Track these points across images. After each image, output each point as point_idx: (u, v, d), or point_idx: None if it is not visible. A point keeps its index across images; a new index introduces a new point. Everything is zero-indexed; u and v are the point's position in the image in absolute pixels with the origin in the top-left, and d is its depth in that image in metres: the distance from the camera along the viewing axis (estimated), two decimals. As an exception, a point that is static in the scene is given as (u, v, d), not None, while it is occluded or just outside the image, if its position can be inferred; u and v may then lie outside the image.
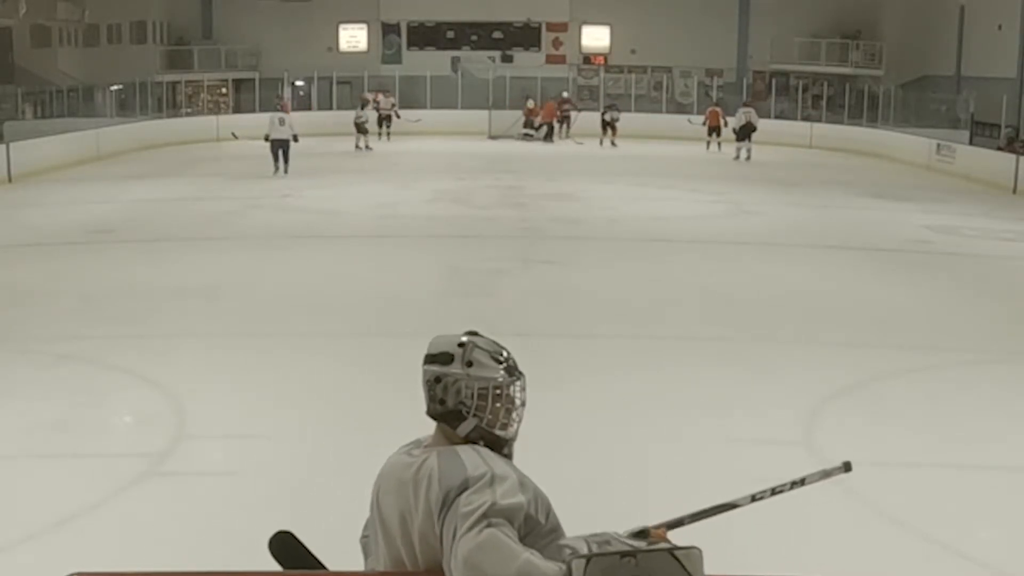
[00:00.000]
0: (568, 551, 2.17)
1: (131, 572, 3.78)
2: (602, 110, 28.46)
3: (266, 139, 19.63)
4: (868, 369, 7.73)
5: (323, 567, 2.57)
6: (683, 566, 1.98)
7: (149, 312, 9.26)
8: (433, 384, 2.41)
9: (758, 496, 2.69)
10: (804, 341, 8.68)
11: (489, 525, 2.12)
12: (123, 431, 6.78)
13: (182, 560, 4.26)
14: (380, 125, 27.91)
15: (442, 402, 2.40)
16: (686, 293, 10.43)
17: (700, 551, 2.03)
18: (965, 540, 4.98)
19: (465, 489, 2.21)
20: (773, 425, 6.49)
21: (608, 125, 27.55)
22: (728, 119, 25.85)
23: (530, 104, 29.47)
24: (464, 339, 2.43)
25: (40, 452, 6.01)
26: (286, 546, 2.56)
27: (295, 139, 19.75)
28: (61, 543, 4.79)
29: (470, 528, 2.13)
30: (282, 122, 19.64)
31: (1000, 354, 8.39)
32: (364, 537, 2.64)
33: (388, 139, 27.79)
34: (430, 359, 2.43)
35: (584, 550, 2.19)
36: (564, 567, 2.03)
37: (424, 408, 2.47)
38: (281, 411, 6.73)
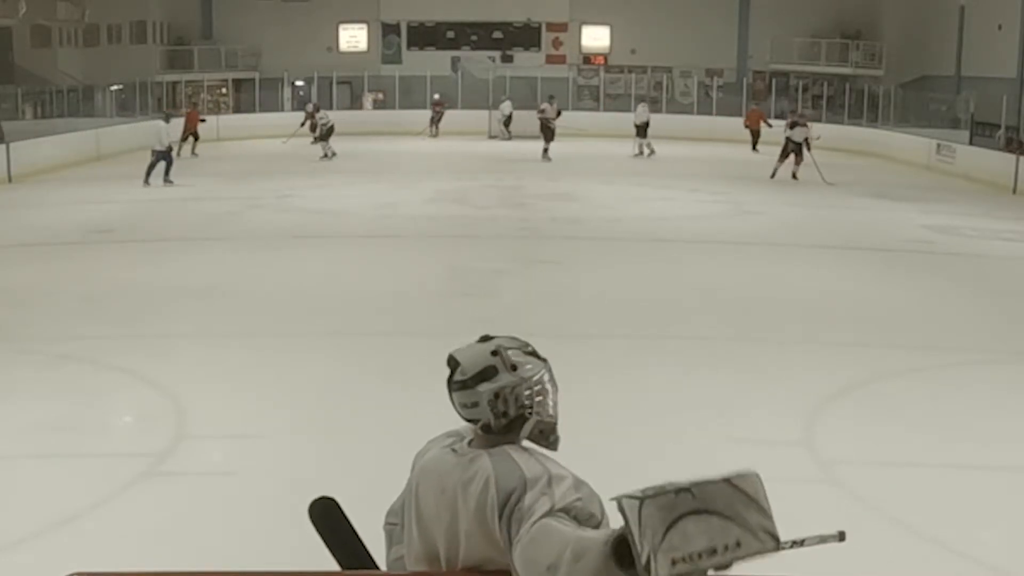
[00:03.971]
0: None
1: (131, 572, 3.78)
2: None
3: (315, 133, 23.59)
4: (868, 369, 7.73)
5: (361, 542, 2.53)
6: (743, 491, 1.89)
7: (149, 312, 9.26)
8: (494, 402, 2.34)
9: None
10: (804, 341, 8.68)
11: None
12: (123, 431, 6.78)
13: (182, 560, 4.26)
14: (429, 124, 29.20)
15: (505, 414, 2.35)
16: (686, 293, 10.43)
17: (757, 474, 1.93)
18: (965, 540, 4.97)
19: (525, 492, 2.20)
20: (773, 425, 6.49)
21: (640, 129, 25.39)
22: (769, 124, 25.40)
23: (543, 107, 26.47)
24: (492, 346, 2.39)
25: (40, 452, 6.00)
26: (328, 514, 2.53)
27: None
28: (61, 543, 4.78)
29: (530, 528, 2.13)
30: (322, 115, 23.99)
31: (1000, 354, 8.39)
32: (389, 525, 2.61)
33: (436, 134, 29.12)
34: (475, 379, 2.34)
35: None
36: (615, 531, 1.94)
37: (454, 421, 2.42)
38: (281, 411, 6.72)
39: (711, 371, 7.67)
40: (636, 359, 8.01)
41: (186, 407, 6.71)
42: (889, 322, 9.32)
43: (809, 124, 21.51)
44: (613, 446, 5.88)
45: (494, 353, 2.37)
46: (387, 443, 5.95)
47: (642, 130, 25.09)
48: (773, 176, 20.65)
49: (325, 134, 23.42)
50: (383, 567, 2.57)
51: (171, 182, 18.28)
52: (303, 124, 25.92)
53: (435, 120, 29.72)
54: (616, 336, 8.72)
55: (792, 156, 20.77)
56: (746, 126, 26.68)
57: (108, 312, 9.34)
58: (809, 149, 20.66)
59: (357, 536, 2.54)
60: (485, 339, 2.42)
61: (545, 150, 23.55)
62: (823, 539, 2.41)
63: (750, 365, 7.87)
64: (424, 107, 30.61)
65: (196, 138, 24.05)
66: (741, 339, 8.66)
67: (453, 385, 2.37)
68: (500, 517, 2.20)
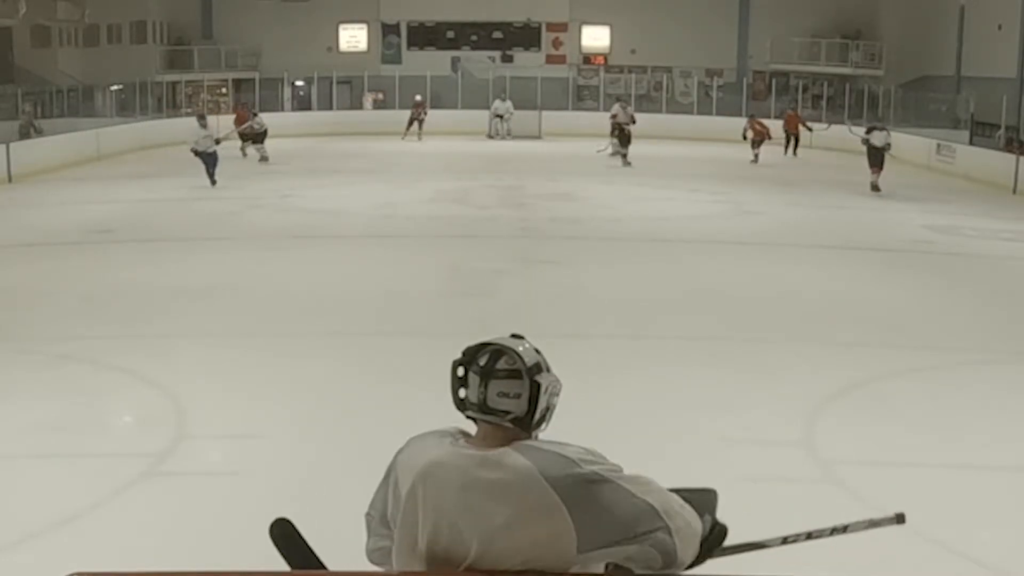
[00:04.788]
0: None
1: (131, 572, 3.78)
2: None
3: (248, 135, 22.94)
4: (868, 369, 7.73)
5: (319, 560, 2.55)
6: None
7: (149, 312, 9.26)
8: (536, 395, 2.36)
9: (790, 539, 2.67)
10: (804, 341, 8.68)
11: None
12: (123, 431, 6.78)
13: (182, 560, 4.26)
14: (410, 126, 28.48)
15: (535, 411, 2.37)
16: (686, 293, 10.43)
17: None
18: (965, 540, 4.97)
19: (582, 473, 2.27)
20: (773, 425, 6.49)
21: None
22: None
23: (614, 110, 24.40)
24: (531, 344, 2.43)
25: (40, 452, 6.00)
26: (286, 535, 2.55)
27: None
28: (61, 543, 4.78)
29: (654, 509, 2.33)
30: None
31: (1000, 354, 8.39)
32: (369, 515, 2.58)
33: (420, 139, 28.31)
34: (531, 370, 2.36)
35: None
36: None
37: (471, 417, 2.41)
38: (281, 411, 6.72)
39: (711, 371, 7.67)
40: (636, 359, 8.01)
41: (186, 407, 6.71)
42: (889, 322, 9.31)
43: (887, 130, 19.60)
44: (612, 446, 5.84)
45: (537, 351, 2.42)
46: (387, 443, 5.95)
47: (876, 158, 24.87)
48: (876, 190, 18.67)
49: (259, 136, 22.71)
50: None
51: (215, 182, 18.03)
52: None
53: (416, 121, 28.74)
54: (616, 336, 8.73)
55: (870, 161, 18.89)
56: (785, 130, 26.05)
57: (108, 312, 9.34)
58: (887, 150, 18.96)
59: (314, 555, 2.54)
60: (518, 337, 2.45)
61: (624, 155, 22.49)
62: (874, 523, 2.51)
63: (750, 365, 7.86)
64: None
65: (244, 138, 23.38)
66: (741, 339, 8.66)
67: (498, 373, 2.35)
68: (568, 505, 2.24)
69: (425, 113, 29.06)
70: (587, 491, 2.26)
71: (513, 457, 2.29)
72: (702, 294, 10.36)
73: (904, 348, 8.41)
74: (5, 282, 10.57)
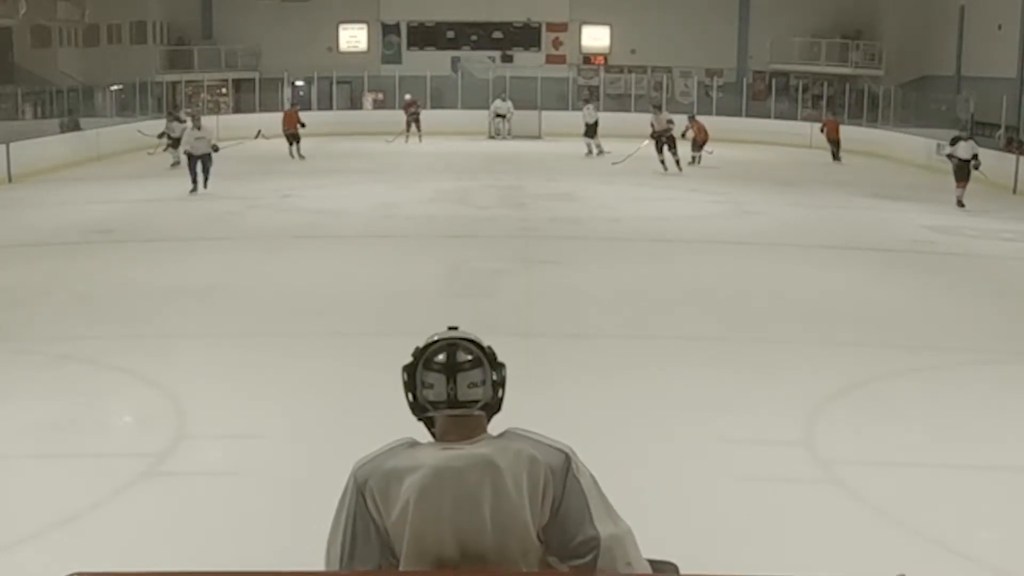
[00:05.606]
0: None
1: (131, 572, 3.78)
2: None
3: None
4: (868, 369, 7.72)
5: None
6: None
7: (149, 312, 9.26)
8: (498, 383, 2.47)
9: None
10: (804, 341, 8.68)
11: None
12: (123, 431, 6.78)
13: (182, 560, 4.27)
14: (408, 127, 27.99)
15: (498, 397, 2.49)
16: (686, 293, 10.42)
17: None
18: (965, 540, 4.97)
19: (570, 461, 2.39)
20: (773, 425, 6.49)
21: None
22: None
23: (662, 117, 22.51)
24: (472, 335, 2.49)
25: (40, 452, 6.00)
26: None
27: None
28: (61, 543, 4.78)
29: (608, 508, 2.40)
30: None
31: (1000, 354, 8.39)
32: (341, 544, 2.47)
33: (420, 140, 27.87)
34: (491, 360, 2.46)
35: None
36: None
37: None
38: (281, 411, 6.72)
39: (711, 371, 7.67)
40: (635, 358, 8.00)
41: (186, 407, 6.70)
42: (889, 322, 9.31)
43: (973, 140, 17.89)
44: (612, 445, 5.86)
45: (481, 346, 2.48)
46: (387, 442, 5.95)
47: (591, 130, 25.23)
48: (961, 206, 17.21)
49: (174, 142, 21.51)
50: None
51: (195, 189, 17.39)
52: (162, 135, 22.37)
53: (412, 122, 28.21)
54: (615, 335, 8.72)
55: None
56: (828, 137, 25.30)
57: (108, 312, 9.34)
58: (977, 167, 17.33)
59: None
60: (453, 328, 2.52)
61: (676, 161, 21.64)
62: None
63: (750, 365, 7.86)
64: (424, 107, 30.59)
65: (295, 140, 23.39)
66: (741, 339, 8.66)
67: (463, 365, 2.41)
68: (557, 482, 2.34)
69: (419, 111, 28.58)
70: (567, 477, 2.38)
71: (516, 444, 2.38)
72: (702, 294, 10.36)
73: (904, 348, 8.40)
74: (5, 282, 10.57)
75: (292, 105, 26.83)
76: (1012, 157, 20.51)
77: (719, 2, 33.35)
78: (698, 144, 23.67)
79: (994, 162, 21.06)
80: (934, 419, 6.83)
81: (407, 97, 29.38)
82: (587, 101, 27.93)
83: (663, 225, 15.14)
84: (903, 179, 21.80)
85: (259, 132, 23.00)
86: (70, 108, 26.55)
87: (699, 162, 23.36)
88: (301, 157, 23.24)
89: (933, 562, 4.80)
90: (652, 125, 22.10)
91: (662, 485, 5.40)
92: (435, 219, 15.16)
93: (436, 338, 2.46)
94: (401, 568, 2.39)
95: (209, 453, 6.09)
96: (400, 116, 28.58)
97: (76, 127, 24.58)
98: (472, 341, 2.45)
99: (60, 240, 13.19)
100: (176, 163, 21.01)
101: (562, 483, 2.35)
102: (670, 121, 22.08)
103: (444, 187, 18.44)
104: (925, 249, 13.34)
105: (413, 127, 28.27)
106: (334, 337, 8.52)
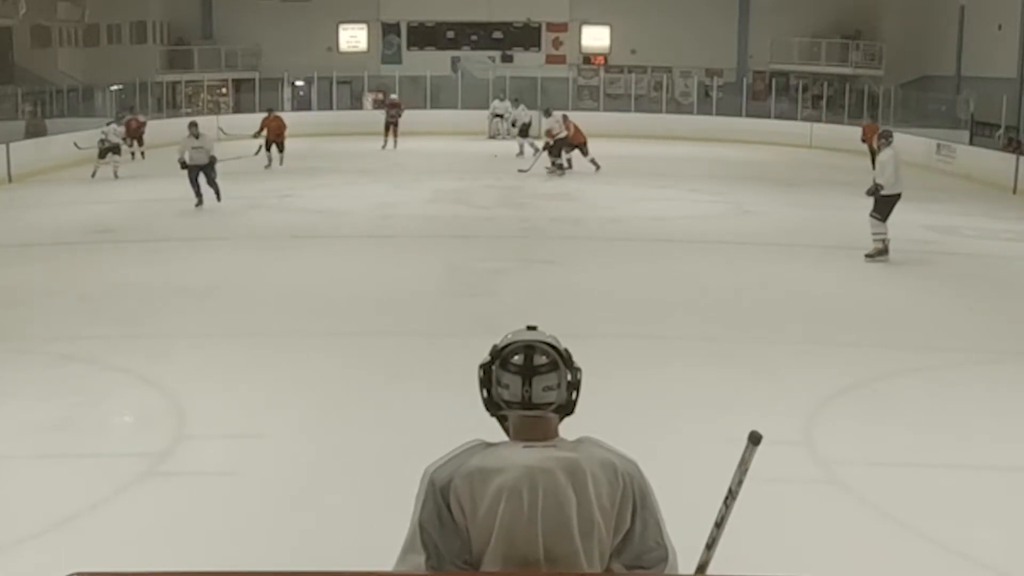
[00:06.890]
0: None
1: (131, 572, 3.78)
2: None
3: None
4: (868, 369, 7.73)
5: None
6: None
7: (149, 312, 9.26)
8: (572, 385, 2.54)
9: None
10: (804, 341, 8.68)
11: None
12: (123, 431, 6.78)
13: (182, 560, 4.27)
14: (387, 131, 26.04)
15: (572, 400, 2.55)
16: (686, 293, 10.42)
17: None
18: (965, 540, 4.97)
19: (642, 472, 2.54)
20: (773, 425, 6.44)
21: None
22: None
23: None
24: (549, 337, 2.53)
25: (40, 452, 6.01)
26: None
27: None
28: (61, 543, 4.79)
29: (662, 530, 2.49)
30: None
31: (1000, 354, 8.39)
32: (426, 531, 2.38)
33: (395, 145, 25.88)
34: (567, 362, 2.51)
35: None
36: None
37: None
38: (281, 411, 6.73)
39: (711, 371, 7.67)
40: (635, 358, 8.00)
41: (186, 407, 6.71)
42: (889, 322, 9.32)
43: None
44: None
45: (555, 347, 2.53)
46: (387, 442, 5.96)
47: (524, 130, 25.07)
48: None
49: (112, 147, 20.55)
50: None
51: (201, 202, 16.01)
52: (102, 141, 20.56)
53: (389, 124, 26.11)
54: (615, 336, 8.72)
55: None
56: (863, 141, 23.15)
57: (108, 312, 9.34)
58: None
59: None
60: (533, 328, 2.56)
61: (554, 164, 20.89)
62: (744, 463, 2.62)
63: (750, 365, 7.87)
64: (424, 107, 30.58)
65: (280, 148, 21.60)
66: (741, 339, 8.66)
67: (540, 369, 2.45)
68: (633, 489, 2.45)
69: (400, 113, 26.49)
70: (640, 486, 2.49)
71: (593, 450, 2.48)
72: (702, 294, 10.36)
73: (904, 348, 8.40)
74: (5, 282, 10.57)
75: (268, 111, 23.29)
76: (1012, 157, 20.51)
77: (719, 2, 33.34)
78: (570, 145, 21.34)
79: (994, 162, 21.10)
80: (934, 419, 6.83)
81: (392, 97, 28.71)
82: (517, 100, 27.85)
83: (663, 225, 15.13)
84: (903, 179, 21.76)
85: (219, 131, 22.15)
86: (31, 108, 25.45)
87: (570, 165, 21.34)
88: (280, 164, 21.48)
89: (933, 562, 4.81)
90: (549, 131, 21.21)
91: (662, 485, 5.39)
92: (435, 219, 15.16)
93: (514, 339, 2.47)
94: (483, 568, 2.36)
95: (209, 453, 6.09)
96: (405, 117, 26.84)
97: (42, 131, 22.95)
98: (549, 344, 2.47)
99: (60, 240, 13.19)
100: (116, 173, 19.71)
101: (641, 492, 2.44)
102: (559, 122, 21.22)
103: (444, 187, 18.44)
104: (925, 249, 13.34)
105: (390, 131, 26.05)
106: (334, 337, 8.52)
